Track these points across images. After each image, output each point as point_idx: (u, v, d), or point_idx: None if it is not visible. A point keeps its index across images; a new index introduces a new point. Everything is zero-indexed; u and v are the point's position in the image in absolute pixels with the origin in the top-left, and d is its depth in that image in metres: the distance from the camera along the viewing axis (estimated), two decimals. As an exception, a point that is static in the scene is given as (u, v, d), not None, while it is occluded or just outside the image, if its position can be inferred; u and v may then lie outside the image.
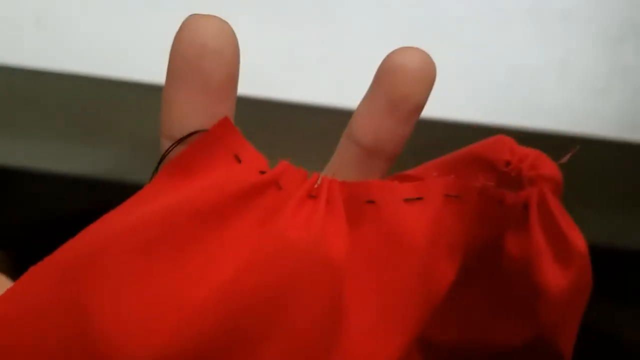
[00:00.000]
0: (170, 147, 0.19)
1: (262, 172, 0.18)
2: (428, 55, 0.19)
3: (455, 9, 0.40)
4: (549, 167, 0.21)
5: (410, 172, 0.22)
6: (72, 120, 0.37)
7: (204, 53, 0.17)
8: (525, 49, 0.41)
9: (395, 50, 0.19)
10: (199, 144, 0.18)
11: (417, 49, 0.19)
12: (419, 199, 0.19)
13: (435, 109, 0.39)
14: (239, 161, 0.18)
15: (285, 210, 0.18)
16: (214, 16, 0.18)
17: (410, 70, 0.19)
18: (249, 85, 0.38)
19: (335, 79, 0.39)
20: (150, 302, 0.17)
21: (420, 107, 0.20)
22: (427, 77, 0.19)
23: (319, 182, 0.19)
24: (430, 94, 0.20)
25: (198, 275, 0.17)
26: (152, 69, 0.36)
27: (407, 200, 0.19)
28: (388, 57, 0.19)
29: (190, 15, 0.18)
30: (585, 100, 0.41)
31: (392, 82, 0.19)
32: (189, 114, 0.18)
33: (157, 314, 0.16)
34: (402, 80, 0.19)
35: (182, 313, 0.16)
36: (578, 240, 0.21)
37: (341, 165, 0.21)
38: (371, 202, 0.19)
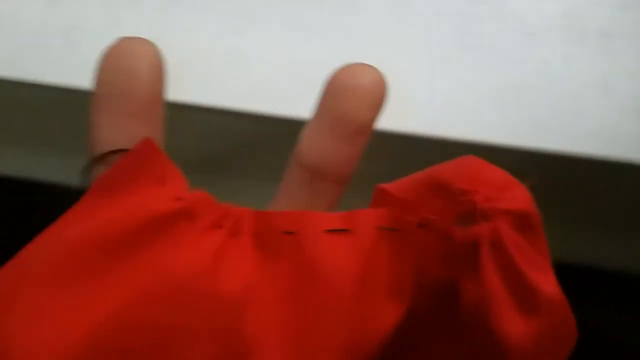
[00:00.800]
0: (89, 164, 0.19)
1: (179, 199, 0.18)
2: (378, 73, 0.18)
3: (484, 26, 0.39)
4: (514, 198, 0.19)
5: (386, 185, 0.20)
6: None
7: (123, 75, 0.18)
8: (562, 68, 0.39)
9: (344, 65, 0.19)
10: (121, 165, 0.18)
11: (366, 65, 0.19)
12: (345, 230, 0.18)
13: (464, 129, 0.38)
14: (161, 184, 0.18)
15: (182, 242, 0.17)
16: (140, 39, 0.18)
17: (355, 88, 0.18)
18: (268, 102, 0.38)
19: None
20: (45, 335, 0.16)
21: (367, 127, 0.19)
22: (374, 96, 0.18)
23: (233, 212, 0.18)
24: (379, 114, 0.19)
25: (85, 308, 0.17)
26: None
27: (330, 232, 0.18)
28: (335, 72, 0.19)
29: (118, 39, 0.18)
30: (627, 123, 0.38)
31: (335, 100, 0.18)
32: (110, 136, 0.18)
33: (47, 348, 0.16)
34: (346, 99, 0.18)
35: (61, 349, 0.16)
36: (544, 285, 0.18)
37: (288, 190, 0.20)
38: (290, 232, 0.18)
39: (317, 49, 0.38)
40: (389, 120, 0.38)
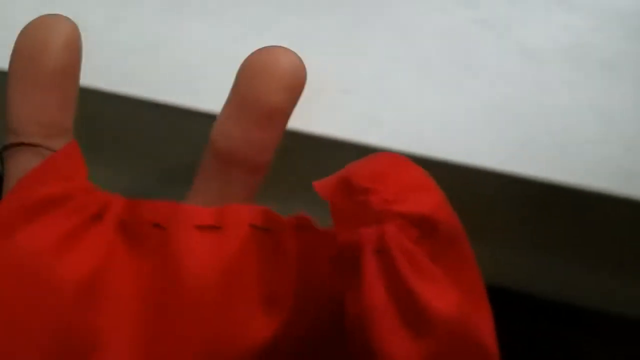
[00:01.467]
0: (2, 150, 0.19)
1: (58, 187, 0.18)
2: (294, 56, 0.17)
3: (489, 49, 0.39)
4: (418, 201, 0.17)
5: (317, 183, 0.18)
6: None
7: (35, 48, 0.18)
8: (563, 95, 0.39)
9: (258, 49, 0.18)
10: (38, 168, 0.18)
11: (281, 48, 0.17)
12: (216, 227, 0.17)
13: (457, 151, 0.38)
14: (65, 181, 0.18)
15: (39, 223, 0.17)
16: (56, 15, 0.18)
17: (267, 70, 0.17)
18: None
19: (357, 114, 0.39)
20: None
21: (279, 111, 0.18)
22: (287, 78, 0.17)
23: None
24: (294, 99, 0.18)
25: None
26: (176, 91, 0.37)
27: (200, 228, 0.17)
28: (248, 56, 0.18)
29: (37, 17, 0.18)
30: (623, 157, 0.38)
31: (246, 83, 0.18)
32: (22, 110, 0.18)
33: None
34: (257, 81, 0.17)
35: None
36: (436, 300, 0.16)
37: (202, 181, 0.19)
38: (158, 225, 0.17)
39: (316, 57, 0.39)
40: (383, 136, 0.38)
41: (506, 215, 0.42)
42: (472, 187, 0.43)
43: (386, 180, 0.17)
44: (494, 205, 0.41)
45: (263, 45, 0.18)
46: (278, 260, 0.17)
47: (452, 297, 0.16)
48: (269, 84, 0.17)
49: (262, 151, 0.19)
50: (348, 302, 0.16)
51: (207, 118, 0.39)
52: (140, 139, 0.41)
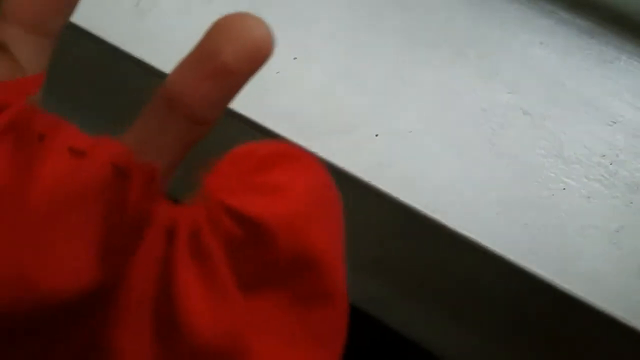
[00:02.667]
0: None
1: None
2: (262, 24, 0.18)
3: (520, 136, 0.39)
4: (262, 204, 0.16)
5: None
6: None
7: None
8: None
9: (233, 12, 0.18)
10: None
11: (251, 15, 0.18)
12: (82, 154, 0.16)
13: (466, 223, 0.38)
14: None
15: None
16: None
17: (230, 30, 0.17)
18: (296, 131, 0.40)
19: (377, 156, 0.39)
20: None
21: (234, 71, 0.17)
22: (247, 41, 0.17)
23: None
24: (253, 66, 0.18)
25: None
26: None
27: (71, 150, 0.16)
28: (220, 17, 0.18)
29: None
30: (626, 279, 0.38)
31: (208, 38, 0.18)
32: None
33: None
34: (217, 37, 0.18)
35: None
36: (196, 317, 0.14)
37: (143, 118, 0.19)
38: (43, 137, 0.17)
39: (351, 97, 0.40)
40: (394, 183, 0.39)
41: (488, 298, 0.41)
42: (463, 260, 0.43)
43: (245, 168, 0.17)
44: (478, 285, 0.41)
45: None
46: (121, 210, 0.16)
47: (233, 319, 0.15)
48: (232, 43, 0.18)
49: (207, 106, 0.18)
50: (127, 273, 0.16)
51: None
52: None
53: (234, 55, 0.17)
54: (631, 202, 0.39)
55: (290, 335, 0.17)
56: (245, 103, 0.39)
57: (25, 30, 0.18)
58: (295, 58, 0.41)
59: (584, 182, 0.39)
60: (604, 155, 0.40)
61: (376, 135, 0.40)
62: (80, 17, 0.41)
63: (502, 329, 0.43)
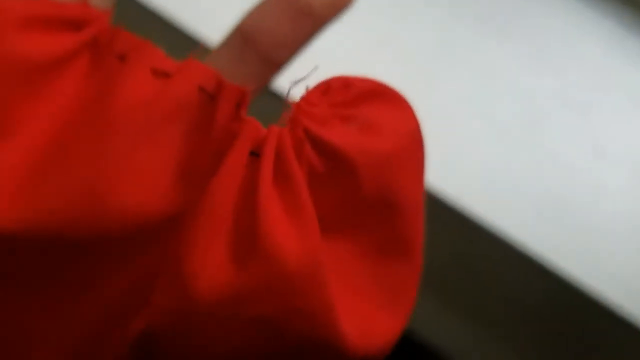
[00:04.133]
0: None
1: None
2: None
3: (557, 121, 0.38)
4: (347, 135, 0.15)
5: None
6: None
7: None
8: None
9: None
10: None
11: None
12: (167, 75, 0.16)
13: (494, 214, 0.36)
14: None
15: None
16: None
17: None
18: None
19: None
20: None
21: (312, 12, 0.17)
22: None
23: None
24: (334, 14, 0.18)
25: None
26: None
27: (154, 71, 0.16)
28: None
29: None
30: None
31: None
32: None
33: None
34: None
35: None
36: (280, 238, 0.14)
37: (219, 49, 0.19)
38: (122, 57, 0.16)
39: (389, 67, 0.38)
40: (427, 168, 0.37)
41: (510, 299, 0.39)
42: (488, 252, 0.41)
43: (338, 98, 0.16)
44: (500, 284, 0.39)
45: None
46: (206, 132, 0.16)
47: (311, 246, 0.14)
48: None
49: (283, 46, 0.18)
50: (207, 193, 0.15)
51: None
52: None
53: (321, 1, 0.17)
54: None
55: (361, 285, 0.16)
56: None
57: None
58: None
59: (625, 182, 0.37)
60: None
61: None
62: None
63: (522, 331, 0.40)
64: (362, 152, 0.15)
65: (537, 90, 0.38)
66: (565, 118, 0.38)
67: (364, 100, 0.16)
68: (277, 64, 0.18)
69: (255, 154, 0.15)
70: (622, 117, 0.38)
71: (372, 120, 0.15)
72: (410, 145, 0.16)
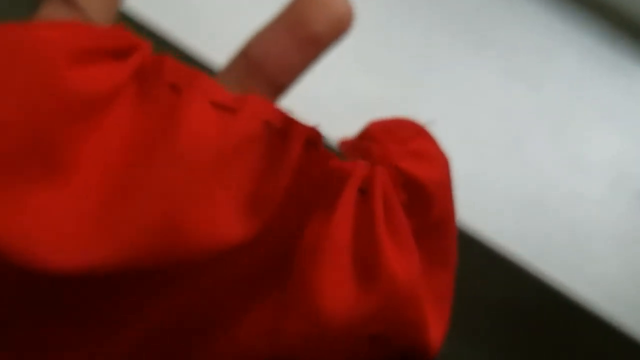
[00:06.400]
0: None
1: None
2: (348, 2, 0.18)
3: (534, 131, 0.39)
4: (421, 167, 0.17)
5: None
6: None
7: None
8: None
9: None
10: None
11: None
12: (230, 109, 0.16)
13: (474, 219, 0.37)
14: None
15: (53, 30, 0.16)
16: None
17: (321, 1, 0.18)
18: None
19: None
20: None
21: (317, 39, 0.18)
22: (336, 14, 0.18)
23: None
24: (336, 35, 0.18)
25: None
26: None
27: (215, 104, 0.16)
28: None
29: None
30: (631, 287, 0.37)
31: (298, 5, 0.18)
32: None
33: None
34: (308, 7, 0.18)
35: None
36: (396, 262, 0.15)
37: (224, 75, 0.19)
38: (175, 87, 0.16)
39: (367, 83, 0.39)
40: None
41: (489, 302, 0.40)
42: (471, 259, 0.42)
43: (398, 137, 0.17)
44: (481, 288, 0.40)
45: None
46: (277, 166, 0.16)
47: (414, 269, 0.16)
48: (320, 13, 0.18)
49: (289, 72, 0.19)
50: (310, 227, 0.16)
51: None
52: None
53: (325, 24, 0.18)
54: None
55: (426, 296, 0.17)
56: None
57: None
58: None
59: (601, 190, 0.39)
60: (618, 162, 0.40)
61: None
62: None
63: (503, 335, 0.41)
64: (432, 181, 0.17)
65: (514, 104, 0.40)
66: (542, 131, 0.40)
67: (415, 135, 0.18)
68: (282, 87, 0.19)
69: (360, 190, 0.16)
70: (598, 129, 0.40)
71: (428, 153, 0.17)
72: (449, 169, 0.18)
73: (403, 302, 0.15)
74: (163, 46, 0.38)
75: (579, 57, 0.41)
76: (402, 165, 0.16)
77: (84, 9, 0.18)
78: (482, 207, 0.39)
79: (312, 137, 0.16)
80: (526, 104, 0.41)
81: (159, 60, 0.17)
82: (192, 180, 0.16)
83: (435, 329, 0.18)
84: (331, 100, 0.40)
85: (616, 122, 0.41)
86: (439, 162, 0.18)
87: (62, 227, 0.16)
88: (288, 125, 0.16)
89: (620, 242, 0.38)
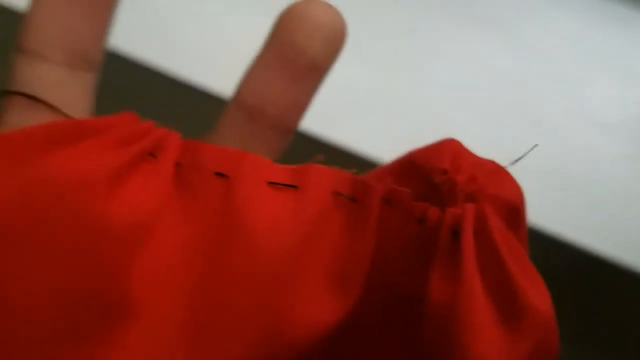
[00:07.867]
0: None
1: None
2: (335, 10, 0.16)
3: (549, 101, 0.38)
4: (503, 185, 0.15)
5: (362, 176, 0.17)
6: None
7: None
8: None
9: (298, 1, 0.16)
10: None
11: (323, 1, 0.16)
12: (292, 186, 0.14)
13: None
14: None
15: (79, 153, 0.14)
16: None
17: (307, 20, 0.16)
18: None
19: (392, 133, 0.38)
20: None
21: (317, 63, 0.16)
22: (327, 29, 0.16)
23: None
24: (333, 53, 0.16)
25: None
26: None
27: (273, 185, 0.14)
28: (288, 7, 0.16)
29: None
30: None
31: (283, 33, 0.16)
32: (46, 23, 0.15)
33: None
34: (295, 31, 0.16)
35: None
36: (533, 298, 0.14)
37: (221, 138, 0.17)
38: (223, 175, 0.15)
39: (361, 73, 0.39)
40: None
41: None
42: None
43: (464, 161, 0.16)
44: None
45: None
46: (358, 235, 0.15)
47: (547, 296, 0.14)
48: (310, 35, 0.16)
49: (293, 109, 0.17)
50: (434, 288, 0.14)
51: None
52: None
53: (320, 46, 0.16)
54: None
55: None
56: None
57: (64, 65, 0.16)
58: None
59: (620, 147, 0.37)
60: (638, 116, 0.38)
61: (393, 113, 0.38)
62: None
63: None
64: (520, 198, 0.16)
65: (526, 72, 0.39)
66: (557, 96, 0.38)
67: (477, 157, 0.16)
68: (291, 126, 0.17)
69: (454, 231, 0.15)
70: (612, 88, 0.38)
71: (497, 170, 0.16)
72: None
73: (549, 333, 0.14)
74: (151, 76, 0.38)
75: (582, 14, 0.39)
76: (495, 192, 0.15)
77: (59, 108, 0.16)
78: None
79: (387, 194, 0.15)
80: (538, 72, 0.39)
81: (194, 148, 0.15)
82: (277, 273, 0.14)
83: None
84: (331, 97, 0.39)
85: (621, 70, 0.38)
86: (508, 174, 0.16)
87: None
88: (359, 190, 0.15)
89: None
